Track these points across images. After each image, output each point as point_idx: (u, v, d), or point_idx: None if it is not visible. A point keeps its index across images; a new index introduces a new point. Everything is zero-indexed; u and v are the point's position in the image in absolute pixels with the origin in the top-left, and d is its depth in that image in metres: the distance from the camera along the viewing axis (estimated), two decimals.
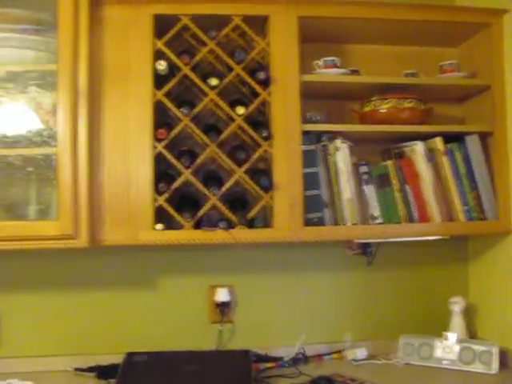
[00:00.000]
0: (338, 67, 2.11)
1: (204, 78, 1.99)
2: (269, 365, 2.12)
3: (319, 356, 2.21)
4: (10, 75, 1.94)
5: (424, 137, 2.14)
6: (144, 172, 1.93)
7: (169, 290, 2.23)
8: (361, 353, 2.18)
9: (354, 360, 2.17)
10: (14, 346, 2.16)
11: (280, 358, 2.15)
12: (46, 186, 1.97)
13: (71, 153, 1.85)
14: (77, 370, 2.10)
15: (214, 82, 1.97)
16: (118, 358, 2.02)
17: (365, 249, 2.30)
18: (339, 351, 2.22)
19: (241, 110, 1.97)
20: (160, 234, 1.93)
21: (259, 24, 2.05)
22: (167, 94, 1.97)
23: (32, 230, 1.86)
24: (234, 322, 2.24)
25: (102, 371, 2.05)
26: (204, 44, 2.02)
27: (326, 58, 2.12)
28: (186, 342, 2.16)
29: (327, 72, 2.10)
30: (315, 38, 2.17)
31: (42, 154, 1.93)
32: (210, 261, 2.25)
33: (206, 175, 2.06)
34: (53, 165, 1.89)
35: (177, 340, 2.18)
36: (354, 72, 2.18)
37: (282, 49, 2.01)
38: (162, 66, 1.94)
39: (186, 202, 2.02)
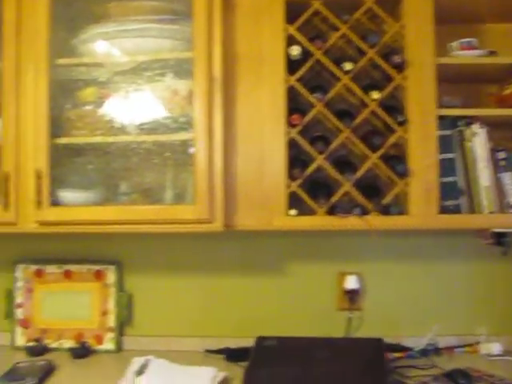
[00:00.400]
0: (475, 48, 2.02)
1: (335, 63, 1.97)
2: (397, 354, 2.07)
3: (450, 348, 2.14)
4: (148, 64, 2.00)
5: None
6: (277, 158, 1.94)
7: (297, 276, 2.24)
8: (496, 348, 2.09)
9: (488, 355, 2.09)
10: (147, 326, 2.27)
11: (410, 349, 2.10)
12: (183, 171, 2.02)
13: (207, 138, 1.89)
14: (207, 351, 2.16)
15: (348, 66, 1.94)
16: (246, 342, 2.05)
17: (499, 238, 2.18)
18: (472, 344, 2.14)
19: (375, 95, 1.93)
20: (293, 220, 1.93)
21: (390, 6, 1.99)
22: (299, 80, 1.97)
23: (169, 214, 1.92)
24: (362, 309, 2.21)
25: (231, 354, 2.10)
26: (334, 28, 1.99)
27: (462, 40, 2.03)
28: (313, 328, 2.16)
29: (464, 54, 2.01)
30: (447, 19, 2.06)
31: (179, 139, 1.98)
32: (339, 247, 2.24)
33: (337, 161, 2.04)
34: (189, 150, 1.94)
35: (304, 326, 2.20)
36: (492, 53, 2.08)
37: (416, 31, 1.94)
38: (296, 51, 1.93)
39: (317, 187, 2.01)
